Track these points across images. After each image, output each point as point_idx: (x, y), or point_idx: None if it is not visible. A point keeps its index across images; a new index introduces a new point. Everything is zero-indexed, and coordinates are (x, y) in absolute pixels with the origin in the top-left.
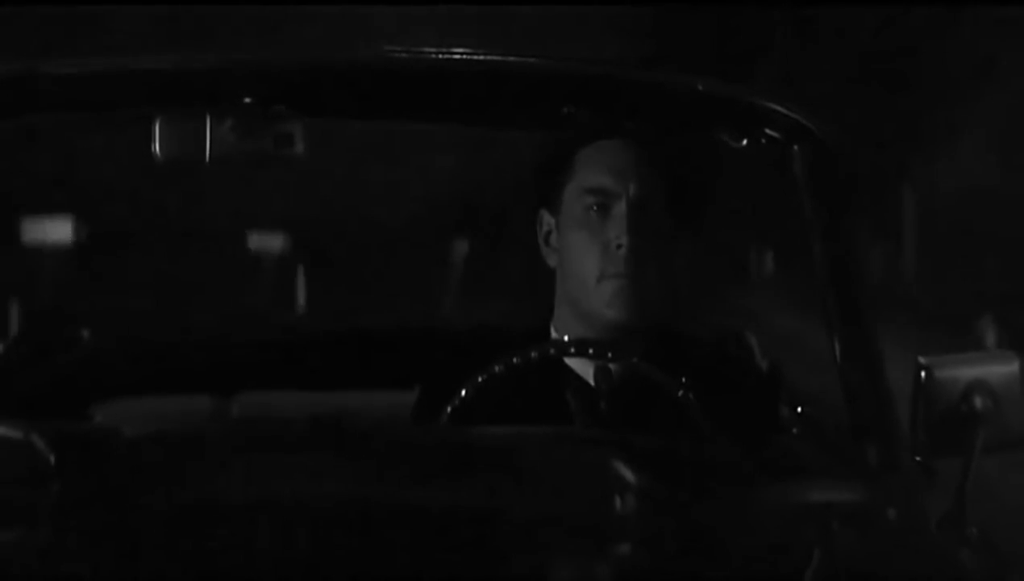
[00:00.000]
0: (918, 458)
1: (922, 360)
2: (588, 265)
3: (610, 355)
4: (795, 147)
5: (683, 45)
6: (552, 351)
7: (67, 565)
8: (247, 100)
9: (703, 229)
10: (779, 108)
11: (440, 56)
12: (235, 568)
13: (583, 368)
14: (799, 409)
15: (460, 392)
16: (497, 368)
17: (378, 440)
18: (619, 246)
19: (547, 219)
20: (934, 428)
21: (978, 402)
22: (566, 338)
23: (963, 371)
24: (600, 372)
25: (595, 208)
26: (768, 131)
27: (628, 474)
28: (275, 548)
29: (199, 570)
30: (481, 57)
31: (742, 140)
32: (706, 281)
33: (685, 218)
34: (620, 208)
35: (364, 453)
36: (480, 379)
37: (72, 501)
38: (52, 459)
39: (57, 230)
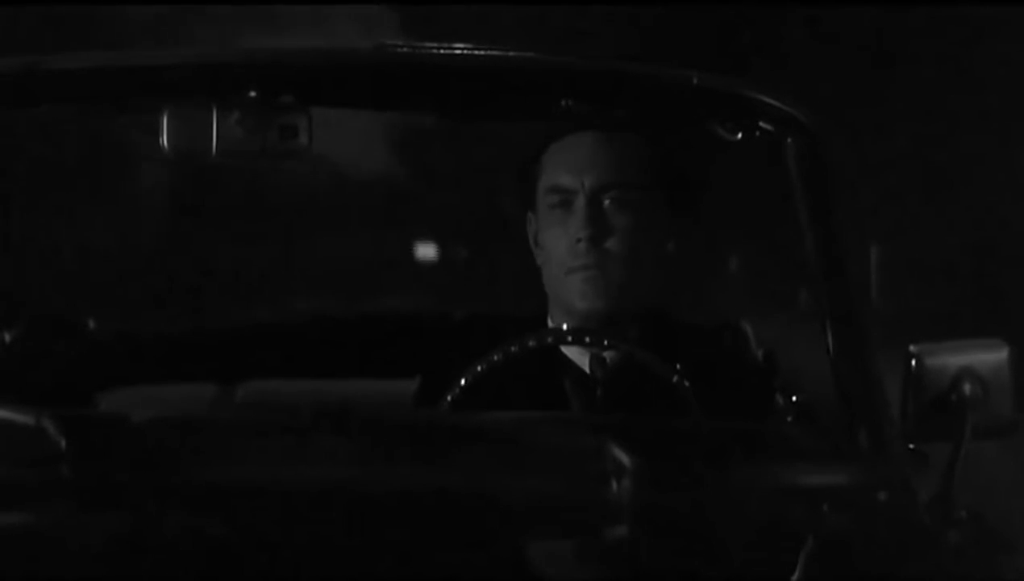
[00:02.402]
0: (911, 445)
1: (913, 348)
2: (558, 260)
3: (606, 343)
4: (788, 140)
5: (701, 43)
6: (549, 339)
7: (77, 546)
8: (252, 93)
9: (699, 219)
10: (773, 102)
11: (440, 52)
12: (240, 550)
13: (579, 357)
14: (794, 397)
15: (460, 381)
16: (496, 357)
17: (380, 425)
18: (579, 240)
19: (533, 220)
20: (924, 414)
21: (967, 389)
22: (564, 326)
23: (952, 359)
24: (596, 360)
25: (559, 205)
26: (762, 124)
27: (623, 457)
28: (278, 531)
29: (206, 552)
30: (480, 53)
31: (736, 133)
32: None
33: (678, 207)
34: (579, 203)
35: (367, 438)
36: (479, 368)
37: (82, 484)
38: (62, 443)
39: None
